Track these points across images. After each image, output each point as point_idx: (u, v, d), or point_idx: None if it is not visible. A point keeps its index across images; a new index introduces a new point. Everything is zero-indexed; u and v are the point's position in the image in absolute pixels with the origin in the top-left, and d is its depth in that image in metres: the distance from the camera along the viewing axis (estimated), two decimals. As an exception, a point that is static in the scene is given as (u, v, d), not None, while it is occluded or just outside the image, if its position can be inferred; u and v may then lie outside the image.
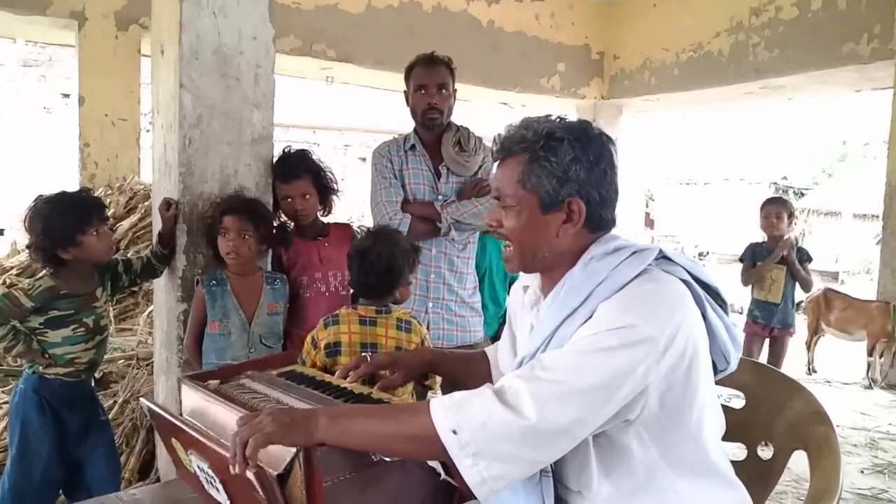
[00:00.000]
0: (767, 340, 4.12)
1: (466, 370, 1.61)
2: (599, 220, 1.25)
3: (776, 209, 4.04)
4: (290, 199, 2.44)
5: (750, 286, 4.14)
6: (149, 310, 3.82)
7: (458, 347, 2.54)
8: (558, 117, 1.26)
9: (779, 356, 4.12)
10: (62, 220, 2.06)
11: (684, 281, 1.21)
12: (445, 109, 2.60)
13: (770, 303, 4.03)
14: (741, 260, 4.19)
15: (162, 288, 2.53)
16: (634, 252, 1.21)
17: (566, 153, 1.20)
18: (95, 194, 2.50)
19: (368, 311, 1.97)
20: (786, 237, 3.96)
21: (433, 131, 2.63)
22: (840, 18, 5.72)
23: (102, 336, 2.23)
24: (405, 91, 2.66)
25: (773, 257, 3.96)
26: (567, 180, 1.21)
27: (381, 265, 1.95)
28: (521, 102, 7.93)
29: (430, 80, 2.55)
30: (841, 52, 5.73)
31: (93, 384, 2.34)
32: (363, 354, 1.54)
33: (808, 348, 5.66)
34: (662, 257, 1.23)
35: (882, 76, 5.74)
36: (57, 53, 8.84)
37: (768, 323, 4.04)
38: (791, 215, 4.07)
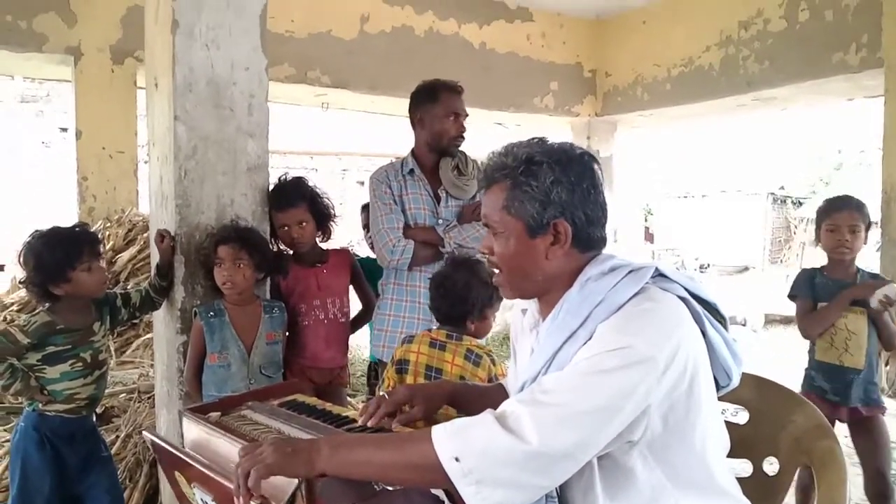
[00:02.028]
0: (839, 422, 2.57)
1: (485, 403, 1.58)
2: (588, 240, 1.26)
3: (849, 218, 2.52)
4: (286, 228, 2.44)
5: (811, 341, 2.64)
6: (146, 336, 3.81)
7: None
8: (539, 140, 1.28)
9: (879, 448, 2.48)
10: (52, 256, 2.05)
11: (682, 298, 1.21)
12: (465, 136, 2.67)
13: (847, 368, 2.52)
14: (792, 297, 2.69)
15: (161, 320, 2.52)
16: (631, 271, 1.21)
17: (546, 176, 1.21)
18: (93, 227, 2.50)
19: (440, 335, 2.02)
20: (886, 285, 2.46)
21: (442, 156, 2.66)
22: (828, 29, 5.77)
23: (101, 371, 2.22)
24: (418, 113, 2.65)
25: (846, 298, 2.49)
26: (550, 203, 1.21)
27: (456, 292, 1.99)
28: (516, 122, 7.97)
29: (461, 108, 2.63)
30: (830, 63, 5.77)
31: (94, 419, 2.33)
32: (381, 394, 1.52)
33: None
34: (659, 275, 1.23)
35: (872, 84, 5.77)
36: (54, 88, 8.91)
37: (844, 401, 2.52)
38: (869, 227, 2.58)
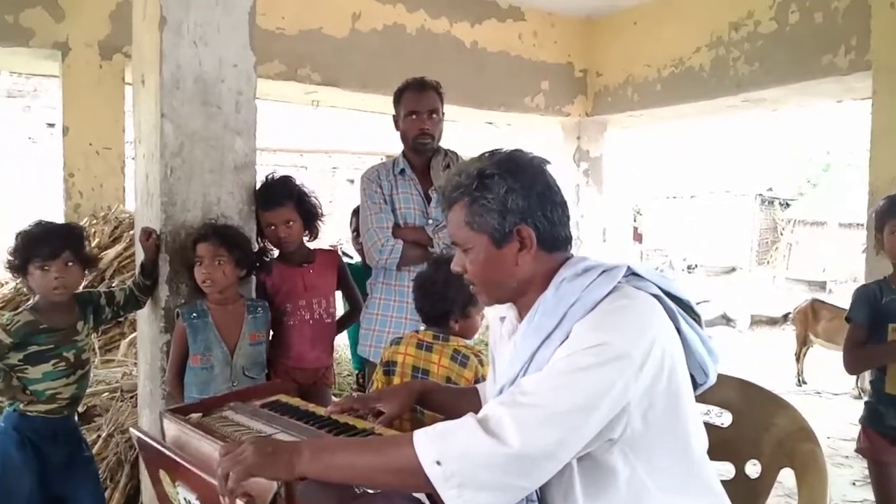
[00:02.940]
0: None
1: (457, 404, 1.60)
2: (553, 240, 1.28)
3: None
4: (272, 227, 2.43)
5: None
6: (131, 336, 3.78)
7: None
8: (489, 153, 1.30)
9: None
10: (17, 246, 2.06)
11: (655, 296, 1.22)
12: (436, 134, 2.61)
13: None
14: (849, 318, 2.27)
15: (145, 319, 2.50)
16: (604, 271, 1.23)
17: (500, 187, 1.24)
18: (80, 224, 2.47)
19: (426, 336, 2.01)
20: None
21: (424, 156, 2.64)
22: (818, 31, 5.80)
23: (84, 370, 2.19)
24: (394, 115, 2.67)
25: None
26: (508, 212, 1.24)
27: (436, 291, 1.99)
28: (507, 122, 7.97)
29: (421, 105, 2.57)
30: (820, 65, 5.80)
31: (76, 419, 2.30)
32: (354, 394, 1.54)
33: (798, 360, 5.67)
34: (632, 274, 1.25)
35: (861, 87, 5.81)
36: (41, 83, 8.83)
37: None
38: None
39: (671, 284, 1.27)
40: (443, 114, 2.66)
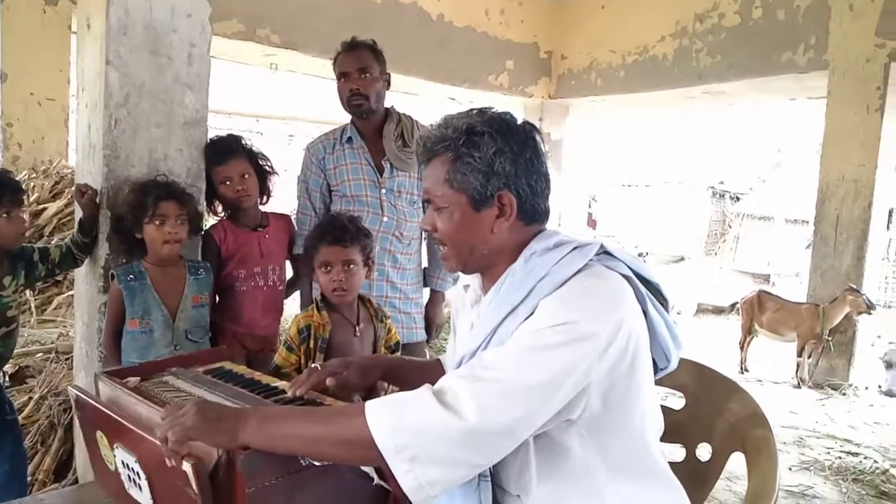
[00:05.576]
0: None
1: (422, 378, 1.55)
2: (533, 212, 1.23)
3: None
4: (227, 182, 2.31)
5: None
6: (66, 294, 3.62)
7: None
8: (478, 110, 1.23)
9: None
10: None
11: (626, 276, 1.19)
12: (371, 94, 2.45)
13: None
14: None
15: (83, 278, 2.38)
16: (576, 247, 1.19)
17: (488, 146, 1.18)
18: (17, 178, 2.34)
19: None
20: None
21: (364, 119, 2.52)
22: (779, 28, 5.90)
23: (9, 328, 2.05)
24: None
25: None
26: (493, 174, 1.18)
27: None
28: (470, 99, 7.90)
29: (350, 65, 2.44)
30: (779, 61, 5.91)
31: (2, 379, 2.17)
32: (313, 365, 1.45)
33: (742, 348, 5.83)
34: (604, 252, 1.21)
35: (816, 86, 5.95)
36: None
37: None
38: None
39: (642, 266, 1.23)
40: (385, 74, 2.51)
